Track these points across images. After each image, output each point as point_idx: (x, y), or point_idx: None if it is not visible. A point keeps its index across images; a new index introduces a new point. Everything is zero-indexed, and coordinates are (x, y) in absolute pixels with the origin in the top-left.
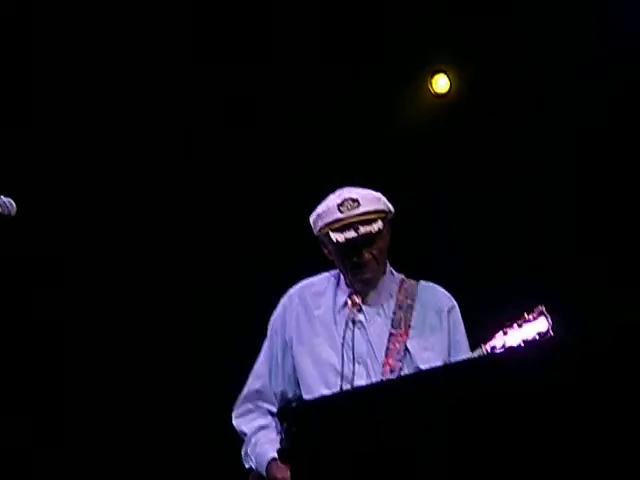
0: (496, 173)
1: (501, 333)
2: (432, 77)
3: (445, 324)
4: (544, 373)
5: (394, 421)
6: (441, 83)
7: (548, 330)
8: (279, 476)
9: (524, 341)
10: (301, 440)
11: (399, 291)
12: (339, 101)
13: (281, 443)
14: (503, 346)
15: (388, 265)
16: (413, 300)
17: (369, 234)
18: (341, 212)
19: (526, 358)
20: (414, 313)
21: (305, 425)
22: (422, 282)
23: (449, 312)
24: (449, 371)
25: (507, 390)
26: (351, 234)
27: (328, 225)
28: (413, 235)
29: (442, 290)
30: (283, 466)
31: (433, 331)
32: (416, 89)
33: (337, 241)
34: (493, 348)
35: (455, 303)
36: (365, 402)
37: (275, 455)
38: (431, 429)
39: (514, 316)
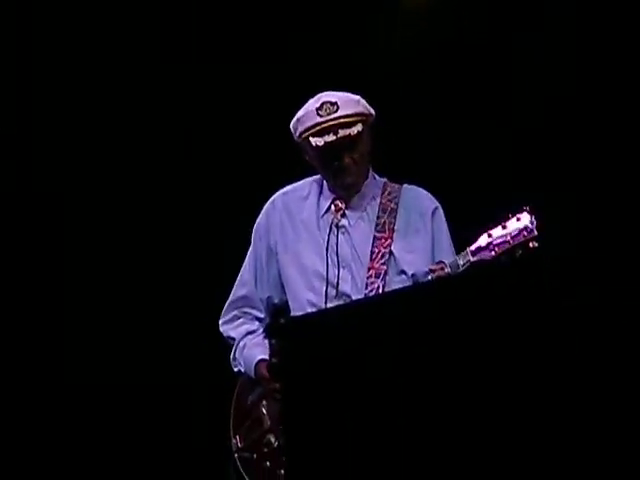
0: (481, 84)
1: (486, 235)
2: None
3: (429, 226)
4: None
5: (382, 337)
6: None
7: (532, 229)
8: (267, 374)
9: (509, 239)
10: (290, 356)
11: (382, 195)
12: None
13: (270, 358)
14: (488, 246)
15: (371, 169)
16: (397, 204)
17: (348, 137)
18: (320, 116)
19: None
20: (398, 216)
21: (294, 341)
22: (405, 185)
23: (432, 214)
24: (434, 287)
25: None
26: (330, 137)
27: (307, 130)
28: (397, 138)
29: (425, 193)
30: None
31: (417, 233)
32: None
33: (317, 145)
34: (477, 249)
35: (438, 205)
36: (354, 317)
37: (263, 356)
38: (419, 346)
39: (499, 218)
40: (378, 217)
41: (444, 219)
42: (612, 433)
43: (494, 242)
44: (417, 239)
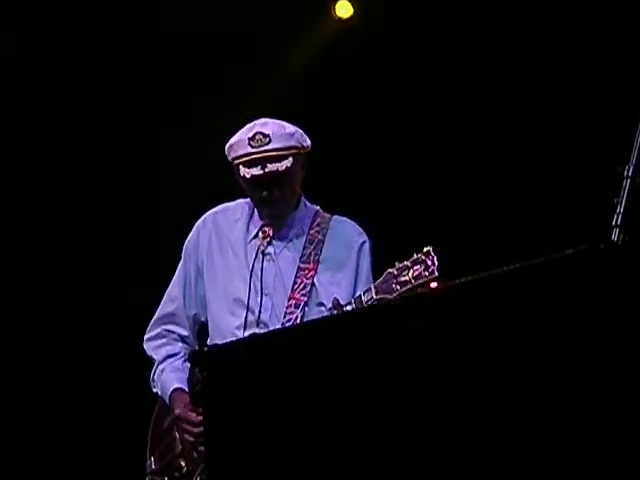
0: (404, 97)
1: (390, 273)
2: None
3: (354, 260)
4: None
5: (304, 365)
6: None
7: (434, 269)
8: (177, 411)
9: (411, 279)
10: (212, 384)
11: (311, 225)
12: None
13: (190, 385)
14: (391, 284)
15: (302, 198)
16: (324, 235)
17: (276, 172)
18: (251, 146)
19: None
20: (324, 248)
21: (215, 369)
22: (335, 217)
23: (359, 248)
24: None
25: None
26: (257, 171)
27: (238, 158)
28: (330, 168)
29: (353, 225)
30: (185, 397)
31: (341, 267)
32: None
33: (244, 176)
34: (381, 286)
35: (366, 239)
36: (277, 346)
37: (178, 385)
38: (340, 373)
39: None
40: (304, 248)
41: (369, 253)
42: None
43: (397, 280)
44: (341, 272)
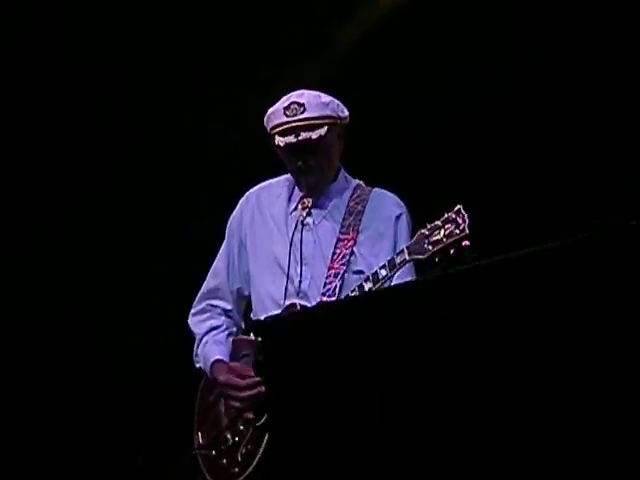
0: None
1: (421, 234)
2: None
3: (391, 231)
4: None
5: (365, 337)
6: None
7: (464, 227)
8: (221, 378)
9: (442, 238)
10: (273, 354)
11: (351, 197)
12: None
13: (256, 356)
14: (423, 244)
15: (342, 171)
16: (364, 207)
17: (309, 140)
18: (286, 116)
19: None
20: (363, 219)
21: (277, 339)
22: (375, 189)
23: (397, 219)
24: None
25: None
26: (291, 139)
27: (274, 127)
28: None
29: (392, 197)
30: (226, 367)
31: (380, 238)
32: None
33: (278, 144)
34: (413, 247)
35: (404, 211)
36: (338, 317)
37: (219, 357)
38: (401, 346)
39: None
40: (344, 219)
41: (407, 225)
42: None
43: (429, 240)
44: (380, 244)
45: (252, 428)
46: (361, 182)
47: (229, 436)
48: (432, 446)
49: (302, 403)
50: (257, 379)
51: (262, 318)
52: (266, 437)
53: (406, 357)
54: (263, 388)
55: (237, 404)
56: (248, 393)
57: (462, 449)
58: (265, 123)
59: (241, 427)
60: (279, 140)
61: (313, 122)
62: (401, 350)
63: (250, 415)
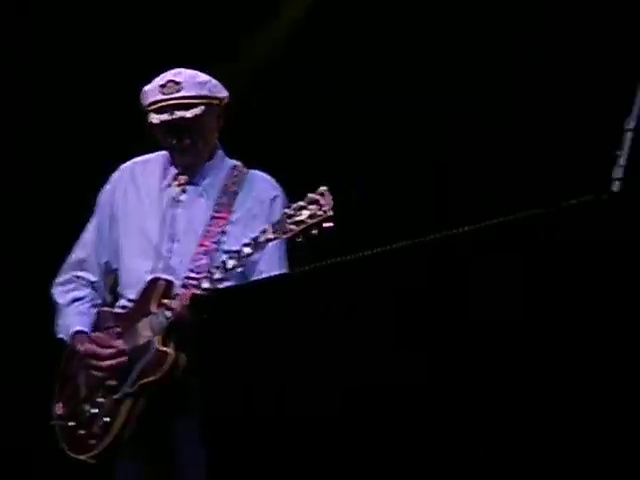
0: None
1: (285, 214)
2: None
3: (266, 212)
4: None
5: (301, 312)
6: None
7: (328, 209)
8: (82, 348)
9: (306, 219)
10: (212, 328)
11: (227, 177)
12: None
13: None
14: (286, 224)
15: (219, 150)
16: (239, 187)
17: (184, 118)
18: (162, 93)
19: None
20: (237, 199)
21: (216, 314)
22: (252, 171)
23: (272, 201)
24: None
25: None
26: (165, 117)
27: (149, 105)
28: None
29: (268, 179)
30: (86, 338)
31: (253, 219)
32: None
33: (152, 122)
34: (276, 226)
35: (280, 193)
36: (275, 292)
37: (80, 327)
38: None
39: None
40: (218, 197)
41: (281, 207)
42: None
43: (292, 220)
44: (253, 224)
45: (110, 400)
46: (239, 163)
47: (87, 407)
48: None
49: (234, 376)
50: (120, 349)
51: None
52: (124, 409)
53: (337, 331)
54: (124, 358)
55: (99, 374)
56: (109, 362)
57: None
58: (141, 99)
59: (100, 399)
60: (154, 117)
61: (189, 101)
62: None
63: (113, 382)
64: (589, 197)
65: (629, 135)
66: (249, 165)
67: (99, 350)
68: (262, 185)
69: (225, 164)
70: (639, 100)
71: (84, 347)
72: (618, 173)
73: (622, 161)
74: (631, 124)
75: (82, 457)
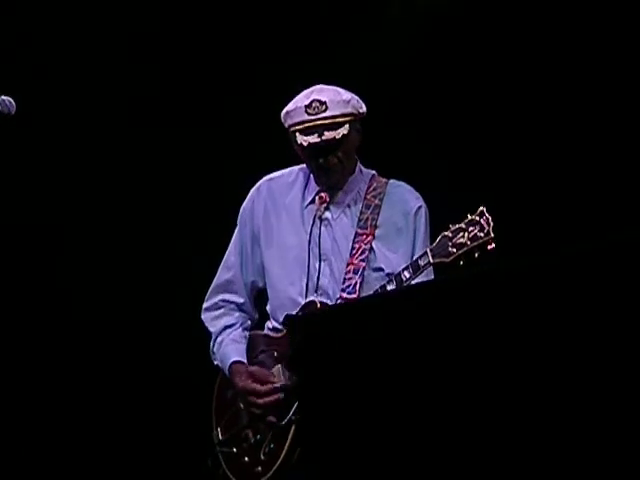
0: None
1: (445, 236)
2: None
3: (411, 226)
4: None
5: (396, 334)
6: None
7: (489, 230)
8: (240, 384)
9: (467, 241)
10: (305, 349)
11: (367, 190)
12: None
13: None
14: (447, 247)
15: (358, 163)
16: (381, 200)
17: (333, 140)
18: (308, 114)
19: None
20: (381, 213)
21: (309, 334)
22: (392, 181)
23: (415, 213)
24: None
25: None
26: (314, 139)
27: (295, 125)
28: (390, 132)
29: (410, 190)
30: (245, 370)
31: (399, 233)
32: None
33: (301, 144)
34: (437, 250)
35: (422, 203)
36: (368, 313)
37: (237, 357)
38: (438, 344)
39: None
40: (361, 213)
41: (425, 219)
42: None
43: (453, 243)
44: (399, 239)
45: (275, 426)
46: (375, 172)
47: (250, 434)
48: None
49: (332, 398)
50: (277, 385)
51: (294, 313)
52: (290, 436)
53: (425, 356)
54: (282, 394)
55: (257, 411)
56: (267, 399)
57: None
58: (283, 119)
59: (262, 426)
60: (302, 139)
61: (336, 120)
62: (420, 349)
63: (272, 419)
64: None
65: None
66: (384, 172)
67: (257, 387)
68: (404, 197)
69: (365, 176)
70: None
71: (242, 383)
72: None
73: None
74: None
75: None
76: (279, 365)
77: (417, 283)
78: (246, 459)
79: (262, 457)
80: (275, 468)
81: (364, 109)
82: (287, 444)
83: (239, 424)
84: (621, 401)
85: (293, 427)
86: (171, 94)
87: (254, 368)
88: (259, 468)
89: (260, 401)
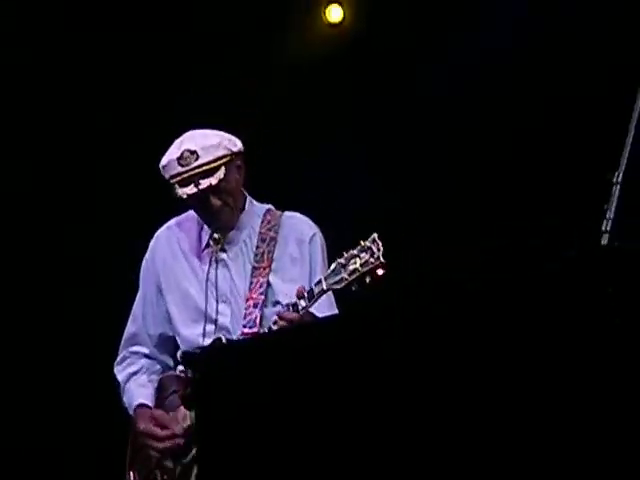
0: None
1: (337, 263)
2: (326, 7)
3: (306, 254)
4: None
5: (293, 366)
6: (335, 13)
7: (379, 255)
8: (142, 427)
9: (358, 267)
10: (202, 386)
11: (262, 224)
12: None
13: (185, 388)
14: (340, 273)
15: (248, 198)
16: (276, 232)
17: (209, 187)
18: (181, 165)
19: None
20: (277, 245)
21: (207, 371)
22: (286, 213)
23: (310, 241)
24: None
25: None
26: (192, 189)
27: (171, 178)
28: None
29: (305, 219)
30: (148, 414)
31: (294, 263)
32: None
33: (180, 196)
34: (330, 277)
35: (317, 231)
36: (265, 349)
37: (141, 400)
38: (327, 375)
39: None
40: (257, 247)
41: (320, 245)
42: None
43: (345, 270)
44: (294, 268)
45: (180, 465)
46: (270, 206)
47: (158, 474)
48: None
49: (231, 434)
50: (175, 431)
51: (190, 350)
52: (193, 474)
53: (334, 387)
54: (181, 441)
55: (156, 454)
56: (165, 444)
57: None
58: (162, 172)
59: (169, 465)
60: (181, 191)
61: (210, 166)
62: (330, 379)
63: (169, 464)
64: (578, 250)
65: (617, 188)
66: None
67: (156, 431)
68: (298, 227)
69: (257, 210)
70: (626, 151)
71: (143, 425)
72: (607, 226)
73: (610, 214)
74: (619, 177)
75: None
76: None
77: (306, 322)
78: None
79: None
80: None
81: (238, 146)
82: None
83: (149, 466)
84: (600, 399)
85: (196, 466)
86: None
87: (158, 412)
88: None
89: (159, 445)
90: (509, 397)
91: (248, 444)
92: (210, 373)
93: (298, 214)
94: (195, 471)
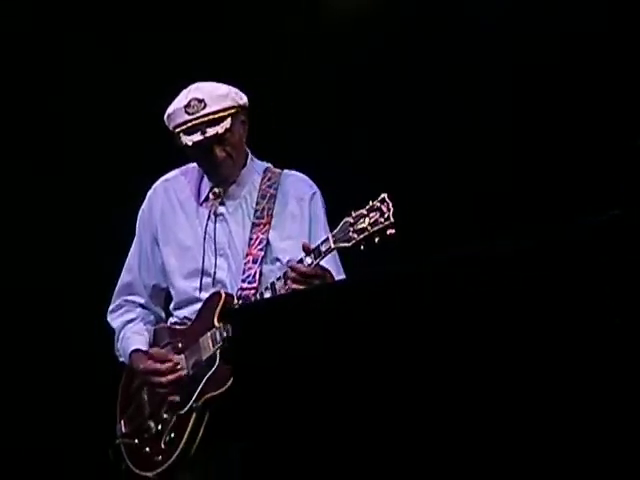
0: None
1: (346, 222)
2: None
3: (306, 212)
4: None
5: (334, 325)
6: None
7: (389, 215)
8: (141, 366)
9: (367, 226)
10: (242, 341)
11: (262, 181)
12: None
13: (223, 343)
14: (348, 232)
15: (250, 155)
16: (276, 189)
17: (216, 135)
18: (188, 114)
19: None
20: (276, 202)
21: (246, 327)
22: (285, 171)
23: (310, 200)
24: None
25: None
26: (197, 137)
27: (177, 126)
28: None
29: (304, 178)
30: (144, 356)
31: (293, 219)
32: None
33: (186, 144)
34: (338, 235)
35: (317, 190)
36: (306, 304)
37: (137, 346)
38: (378, 335)
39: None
40: (257, 203)
41: (321, 204)
42: None
43: (354, 228)
44: (293, 225)
45: (176, 416)
46: (270, 165)
47: (152, 424)
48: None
49: (266, 390)
50: (176, 362)
51: (234, 306)
52: (190, 425)
53: (371, 347)
54: (185, 371)
55: (162, 390)
56: (170, 377)
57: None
58: (166, 122)
59: (165, 415)
60: (185, 139)
61: (216, 116)
62: (350, 343)
63: (177, 398)
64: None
65: None
66: (280, 165)
67: (158, 366)
68: (298, 184)
69: (257, 167)
70: None
71: (143, 365)
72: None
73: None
74: None
75: (149, 474)
76: (182, 355)
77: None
78: (147, 449)
79: (162, 446)
80: (174, 457)
81: (244, 100)
82: (187, 433)
83: (142, 416)
84: (594, 394)
85: (193, 416)
86: None
87: (153, 350)
88: (159, 457)
89: (163, 379)
90: (508, 391)
91: (284, 399)
92: (249, 328)
93: (297, 173)
94: (192, 423)
